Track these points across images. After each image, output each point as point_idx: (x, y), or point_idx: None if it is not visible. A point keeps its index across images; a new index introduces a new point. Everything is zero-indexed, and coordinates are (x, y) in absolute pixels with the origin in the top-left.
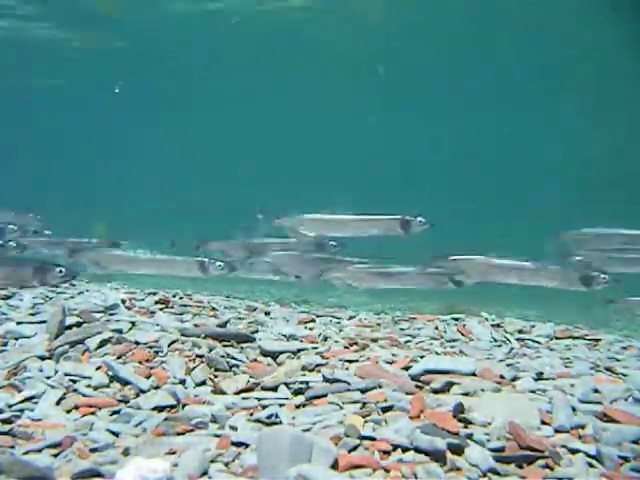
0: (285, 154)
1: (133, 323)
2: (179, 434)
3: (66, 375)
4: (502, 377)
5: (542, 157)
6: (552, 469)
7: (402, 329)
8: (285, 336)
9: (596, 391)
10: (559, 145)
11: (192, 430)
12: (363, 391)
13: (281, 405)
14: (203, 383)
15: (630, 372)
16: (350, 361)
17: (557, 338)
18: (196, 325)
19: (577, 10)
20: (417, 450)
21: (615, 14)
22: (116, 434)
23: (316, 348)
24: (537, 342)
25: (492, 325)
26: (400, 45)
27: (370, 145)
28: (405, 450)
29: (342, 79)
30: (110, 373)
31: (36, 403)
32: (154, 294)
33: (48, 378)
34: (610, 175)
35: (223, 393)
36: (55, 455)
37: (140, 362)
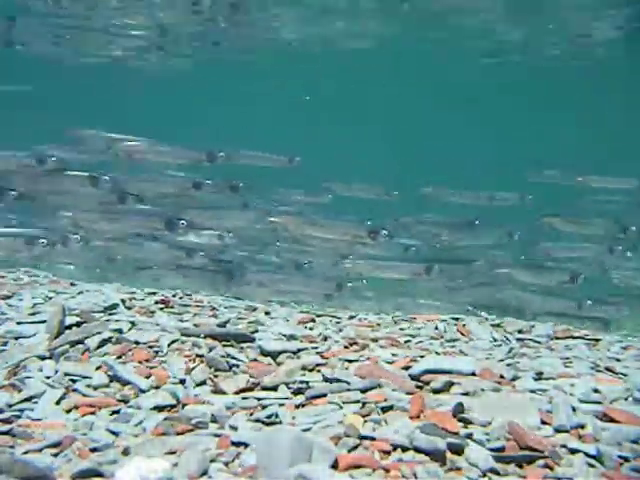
0: None
1: (133, 323)
2: (179, 434)
3: (66, 375)
4: (502, 377)
5: None
6: (552, 469)
7: (402, 329)
8: (285, 336)
9: (596, 391)
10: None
11: (192, 430)
12: (363, 391)
13: (281, 405)
14: (203, 383)
15: (630, 372)
16: (350, 361)
17: (557, 338)
18: (196, 325)
19: None
20: (417, 450)
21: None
22: (116, 434)
23: (316, 348)
24: (537, 342)
25: (492, 325)
26: None
27: None
28: (405, 450)
29: None
30: (110, 373)
31: (36, 403)
32: (154, 294)
33: (48, 378)
34: None
35: (223, 393)
36: (55, 455)
37: (140, 362)
